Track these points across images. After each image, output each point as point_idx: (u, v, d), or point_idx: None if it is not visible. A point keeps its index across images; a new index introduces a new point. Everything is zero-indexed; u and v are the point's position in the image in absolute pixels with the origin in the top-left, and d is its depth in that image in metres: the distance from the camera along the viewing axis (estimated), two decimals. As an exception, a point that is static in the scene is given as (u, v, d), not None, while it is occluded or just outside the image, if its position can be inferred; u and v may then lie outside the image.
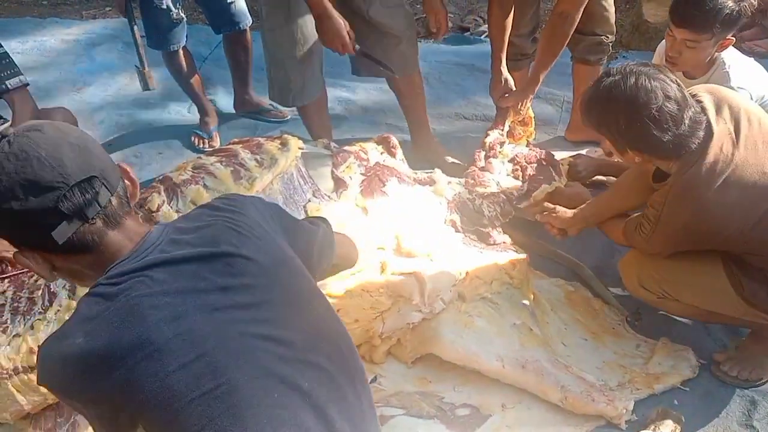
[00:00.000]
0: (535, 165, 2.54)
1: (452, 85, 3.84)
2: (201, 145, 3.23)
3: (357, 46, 2.40)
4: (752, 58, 2.45)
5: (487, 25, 4.41)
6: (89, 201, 0.99)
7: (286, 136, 2.06)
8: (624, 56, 4.14)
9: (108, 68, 4.01)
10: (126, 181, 1.11)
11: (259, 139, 2.05)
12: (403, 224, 1.98)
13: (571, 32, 2.59)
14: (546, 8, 3.86)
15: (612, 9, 2.90)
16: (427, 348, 1.93)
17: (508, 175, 2.50)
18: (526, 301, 2.00)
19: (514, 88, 2.78)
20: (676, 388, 1.99)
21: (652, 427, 1.81)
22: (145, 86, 2.98)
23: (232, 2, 3.00)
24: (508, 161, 2.58)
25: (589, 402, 1.81)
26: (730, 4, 2.06)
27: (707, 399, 1.98)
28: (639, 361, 2.09)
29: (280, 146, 1.97)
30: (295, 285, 1.12)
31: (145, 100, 3.64)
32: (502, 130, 2.79)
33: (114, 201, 1.03)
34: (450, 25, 4.53)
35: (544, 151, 2.64)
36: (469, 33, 4.47)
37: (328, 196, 1.97)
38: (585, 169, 2.63)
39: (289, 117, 3.43)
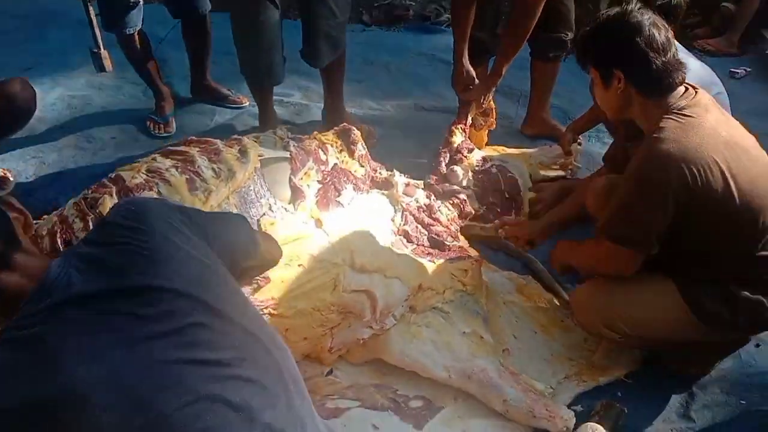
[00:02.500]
0: (498, 193, 2.58)
1: (412, 75, 3.86)
2: (156, 131, 3.18)
3: None
4: (697, 60, 2.48)
5: (447, 15, 4.45)
6: None
7: (245, 142, 2.01)
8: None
9: (60, 48, 3.89)
10: (13, 214, 1.07)
11: (218, 143, 2.00)
12: (357, 237, 1.98)
13: (533, 25, 2.63)
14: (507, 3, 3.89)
15: (572, 6, 2.95)
16: (375, 355, 1.94)
17: (467, 186, 2.53)
18: (478, 309, 2.01)
19: (476, 81, 2.81)
20: (620, 380, 2.06)
21: (596, 418, 1.89)
22: (100, 68, 2.89)
23: (191, -13, 2.95)
24: (472, 173, 2.60)
25: (530, 417, 1.83)
26: None
27: (649, 391, 2.05)
28: (586, 354, 2.15)
29: (238, 155, 1.93)
30: (218, 300, 1.07)
31: (98, 82, 3.56)
32: (465, 125, 2.83)
33: None
34: (411, 13, 4.59)
35: (510, 179, 2.67)
36: (429, 22, 4.48)
37: (285, 208, 1.94)
38: (549, 194, 2.67)
39: (247, 103, 3.41)
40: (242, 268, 1.31)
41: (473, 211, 2.47)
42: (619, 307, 1.91)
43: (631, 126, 1.92)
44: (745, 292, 1.79)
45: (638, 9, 1.75)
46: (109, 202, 1.81)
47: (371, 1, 4.76)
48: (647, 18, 1.72)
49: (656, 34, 1.70)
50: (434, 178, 2.65)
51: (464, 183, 2.63)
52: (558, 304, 2.34)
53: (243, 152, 1.95)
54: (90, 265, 1.02)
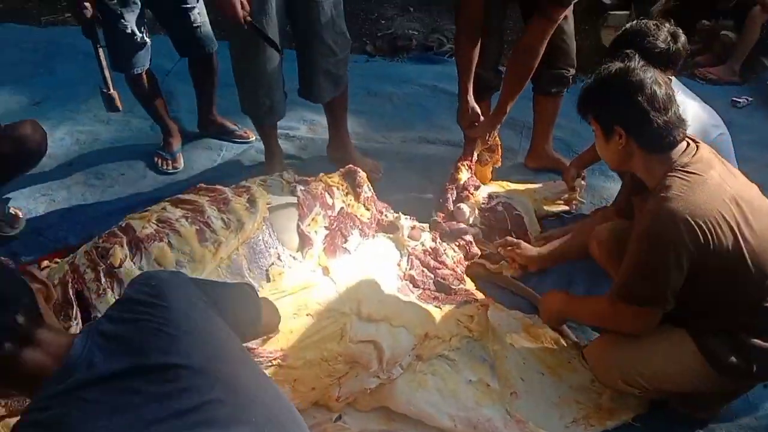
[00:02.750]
0: (504, 232, 2.61)
1: (416, 106, 3.88)
2: (164, 167, 3.21)
3: (248, 18, 2.48)
4: (698, 102, 2.49)
5: (450, 45, 4.50)
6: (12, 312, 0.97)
7: (254, 191, 2.03)
8: (582, 80, 4.23)
9: (68, 81, 3.93)
10: (35, 285, 1.07)
11: (227, 192, 2.02)
12: (364, 285, 2.00)
13: (536, 65, 2.66)
14: (509, 39, 3.93)
15: (573, 43, 2.98)
16: (382, 403, 1.95)
17: (474, 224, 2.56)
18: (485, 355, 2.02)
19: (482, 117, 2.84)
20: (628, 423, 2.06)
21: (604, 463, 1.90)
22: (111, 108, 2.93)
23: (198, 26, 2.98)
24: (478, 210, 2.62)
25: None
26: (660, 44, 2.19)
27: (657, 435, 2.06)
28: (593, 396, 2.15)
29: (247, 205, 1.95)
30: (236, 378, 1.09)
31: (106, 116, 3.57)
32: (471, 161, 2.86)
33: (20, 318, 0.99)
34: (414, 43, 4.63)
35: (516, 217, 2.68)
36: (432, 52, 4.52)
37: (293, 257, 1.96)
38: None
39: (253, 138, 3.44)
40: (248, 335, 1.36)
41: (479, 253, 2.48)
42: (636, 363, 1.92)
43: (635, 176, 1.94)
44: (756, 341, 1.80)
45: (641, 66, 1.75)
46: (119, 253, 1.83)
47: (374, 32, 4.81)
48: (649, 76, 1.72)
49: (658, 92, 1.70)
50: (441, 215, 2.67)
51: (471, 221, 2.66)
52: (565, 344, 2.35)
53: (251, 201, 1.96)
54: (111, 342, 1.04)
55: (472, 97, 2.82)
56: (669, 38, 2.22)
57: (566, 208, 2.95)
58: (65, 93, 3.84)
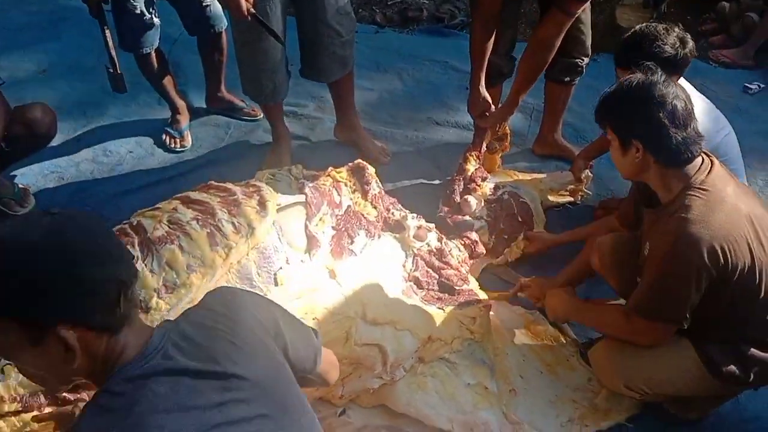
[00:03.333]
0: (510, 217, 2.64)
1: (425, 83, 3.84)
2: (172, 145, 3.22)
3: (251, 10, 2.47)
4: (703, 101, 2.46)
5: (461, 18, 4.42)
6: (131, 281, 1.08)
7: (264, 192, 2.03)
8: (595, 59, 4.18)
9: (74, 48, 3.89)
10: None
11: (238, 193, 2.02)
12: (369, 289, 2.03)
13: (551, 58, 2.63)
14: (525, 12, 3.85)
15: (589, 31, 2.93)
16: (382, 401, 2.01)
17: (479, 218, 2.58)
18: (485, 358, 2.07)
19: (492, 107, 2.82)
20: (621, 424, 2.13)
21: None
22: (116, 88, 2.92)
23: (207, 6, 2.94)
24: (485, 202, 2.64)
25: None
26: (668, 49, 2.18)
27: (649, 435, 2.13)
28: (589, 395, 2.22)
29: (257, 208, 1.96)
30: (285, 397, 1.18)
31: (113, 88, 3.57)
32: (480, 152, 2.86)
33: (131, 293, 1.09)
34: (424, 14, 4.55)
35: (522, 203, 2.71)
36: (443, 24, 4.44)
37: (301, 260, 1.98)
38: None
39: (261, 116, 3.42)
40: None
41: (484, 251, 2.51)
42: (640, 371, 1.96)
43: (642, 186, 1.95)
44: (755, 350, 1.86)
45: (663, 81, 1.72)
46: (131, 254, 1.85)
47: (384, 0, 4.72)
48: (671, 91, 1.70)
49: (678, 107, 1.69)
50: (446, 209, 2.69)
51: (477, 213, 2.68)
52: (564, 341, 2.40)
53: (262, 204, 1.97)
54: (186, 342, 1.12)
55: (484, 87, 2.80)
56: (677, 43, 2.20)
57: (571, 199, 2.97)
58: (72, 60, 3.81)
